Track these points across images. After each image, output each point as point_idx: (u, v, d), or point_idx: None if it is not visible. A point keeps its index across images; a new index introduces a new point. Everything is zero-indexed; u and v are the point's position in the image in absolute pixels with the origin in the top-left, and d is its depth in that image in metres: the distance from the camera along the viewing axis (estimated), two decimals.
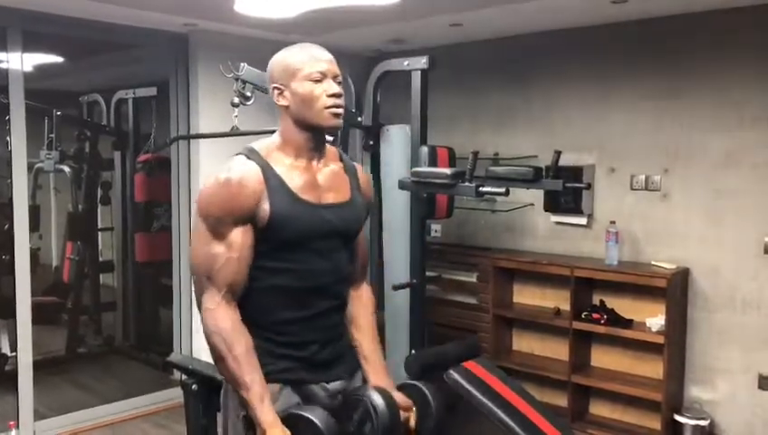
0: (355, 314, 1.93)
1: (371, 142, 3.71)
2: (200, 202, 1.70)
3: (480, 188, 3.16)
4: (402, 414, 1.82)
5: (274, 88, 1.75)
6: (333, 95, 1.71)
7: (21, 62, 3.72)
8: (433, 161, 3.52)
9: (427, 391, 1.92)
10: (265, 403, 1.65)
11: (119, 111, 5.48)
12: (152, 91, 5.20)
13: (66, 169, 5.31)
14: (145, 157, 5.16)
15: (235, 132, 3.37)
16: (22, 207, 3.77)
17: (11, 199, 3.78)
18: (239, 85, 3.34)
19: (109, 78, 6.01)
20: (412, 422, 1.86)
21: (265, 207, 1.66)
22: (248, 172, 1.67)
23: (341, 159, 1.87)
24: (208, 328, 1.68)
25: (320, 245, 1.74)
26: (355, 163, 1.93)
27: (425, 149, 3.50)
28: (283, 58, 1.76)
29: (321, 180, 1.77)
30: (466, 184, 3.19)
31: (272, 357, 1.73)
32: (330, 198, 1.77)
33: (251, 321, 1.73)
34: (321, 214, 1.74)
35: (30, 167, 4.44)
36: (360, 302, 1.96)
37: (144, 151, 5.20)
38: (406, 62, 3.51)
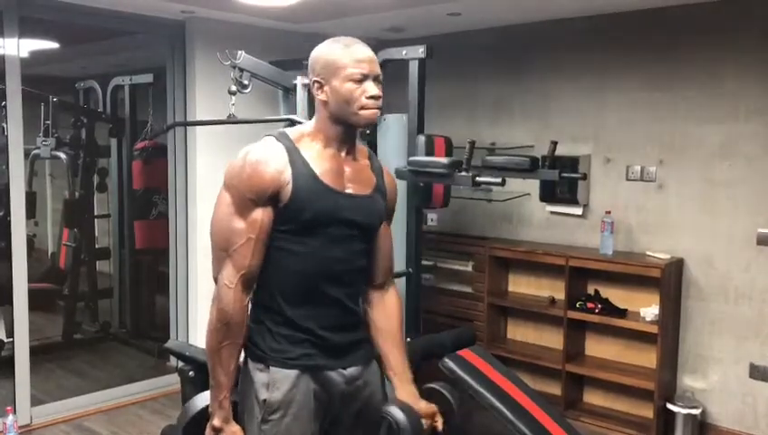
0: (380, 323, 1.94)
1: (368, 131, 3.71)
2: (226, 175, 1.74)
3: (477, 178, 3.17)
4: (426, 422, 1.92)
5: (315, 81, 1.76)
6: (372, 97, 1.74)
7: (17, 47, 3.71)
8: (430, 150, 3.53)
9: (448, 395, 2.05)
10: (225, 407, 1.75)
11: (115, 97, 5.45)
12: (149, 78, 5.17)
13: (62, 155, 5.29)
14: (142, 144, 5.15)
15: (231, 120, 3.37)
16: (18, 193, 3.77)
17: (7, 186, 3.78)
18: (236, 73, 3.34)
19: (105, 64, 5.99)
20: (439, 426, 1.95)
21: (288, 187, 1.69)
22: (274, 153, 1.71)
23: (370, 159, 1.90)
24: (222, 302, 1.71)
25: (336, 231, 1.76)
26: (383, 166, 1.95)
27: (422, 139, 3.51)
28: (327, 53, 1.76)
29: (347, 171, 1.80)
30: (463, 174, 3.21)
31: (290, 343, 1.76)
32: (351, 189, 1.79)
33: (267, 306, 1.78)
34: (340, 201, 1.76)
35: (26, 153, 4.44)
36: (385, 309, 1.96)
37: (141, 138, 5.19)
38: (404, 51, 3.51)
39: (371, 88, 1.73)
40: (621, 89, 4.06)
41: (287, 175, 1.69)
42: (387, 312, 1.96)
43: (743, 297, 3.68)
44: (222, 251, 1.72)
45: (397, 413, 1.83)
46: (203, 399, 2.02)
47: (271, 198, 1.70)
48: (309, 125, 1.81)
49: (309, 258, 1.74)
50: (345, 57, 1.72)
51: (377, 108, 1.76)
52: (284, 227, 1.73)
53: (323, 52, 1.77)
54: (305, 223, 1.72)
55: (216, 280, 1.75)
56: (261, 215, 1.70)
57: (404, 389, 1.94)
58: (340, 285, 1.79)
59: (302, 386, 1.75)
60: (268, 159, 1.70)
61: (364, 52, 1.75)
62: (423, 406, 1.94)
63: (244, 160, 1.71)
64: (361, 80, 1.72)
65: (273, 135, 1.77)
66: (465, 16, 4.08)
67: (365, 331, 1.92)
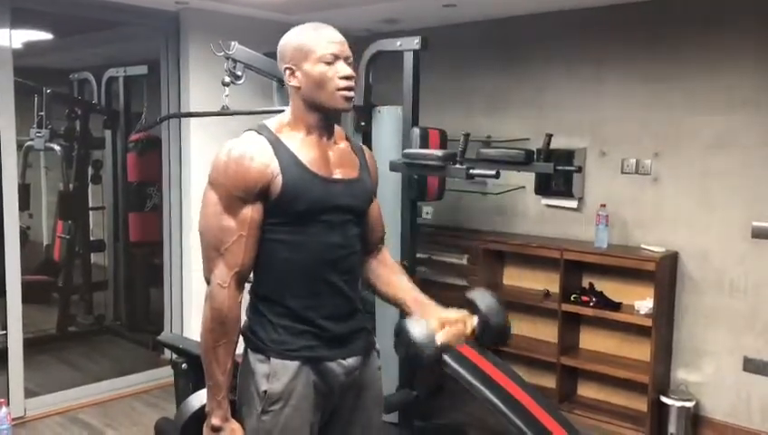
0: (385, 276, 1.98)
1: (363, 123, 3.69)
2: (211, 174, 1.72)
3: (471, 171, 3.16)
4: (454, 329, 1.80)
5: (286, 68, 1.74)
6: (345, 77, 1.72)
7: (9, 38, 3.68)
8: (424, 143, 3.52)
9: (479, 300, 1.87)
10: (223, 406, 1.73)
11: (109, 89, 5.44)
12: (143, 69, 5.16)
13: (56, 147, 5.28)
14: (136, 136, 5.13)
15: (225, 112, 3.35)
16: (11, 185, 3.75)
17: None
18: (230, 64, 3.31)
19: (99, 56, 5.96)
20: (468, 331, 1.82)
21: (278, 180, 1.67)
22: (258, 147, 1.69)
23: (348, 139, 1.89)
24: (216, 302, 1.68)
25: (330, 218, 1.75)
26: (362, 145, 1.96)
27: (416, 131, 3.49)
28: (295, 38, 1.74)
29: (332, 156, 1.79)
30: (457, 166, 3.19)
31: (290, 335, 1.74)
32: (339, 174, 1.78)
33: (267, 297, 1.76)
34: (330, 187, 1.75)
35: (20, 145, 4.41)
36: (385, 265, 2.00)
37: (135, 130, 5.17)
38: (398, 43, 3.49)
39: (343, 68, 1.72)
40: (617, 81, 4.05)
41: (274, 167, 1.68)
42: (387, 265, 2.00)
43: (737, 290, 3.68)
44: (213, 250, 1.70)
45: (409, 326, 1.73)
46: (199, 398, 2.00)
47: (260, 192, 1.68)
48: (285, 115, 1.79)
49: (308, 247, 1.73)
50: (314, 39, 1.72)
51: (351, 88, 1.74)
52: (279, 220, 1.71)
53: (292, 38, 1.76)
54: (300, 213, 1.71)
55: (207, 280, 1.72)
56: (251, 211, 1.68)
57: (429, 307, 1.87)
58: (340, 272, 1.78)
59: (303, 377, 1.74)
60: (253, 153, 1.68)
61: (333, 33, 1.75)
62: (452, 314, 1.83)
63: (228, 157, 1.69)
64: (332, 61, 1.71)
65: (253, 129, 1.75)
66: (461, 8, 4.06)
67: (364, 320, 1.91)
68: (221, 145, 1.74)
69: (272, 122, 1.78)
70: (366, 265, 1.98)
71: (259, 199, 1.68)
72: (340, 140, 1.85)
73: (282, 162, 1.69)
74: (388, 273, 1.99)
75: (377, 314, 3.70)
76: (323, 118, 1.77)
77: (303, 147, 1.74)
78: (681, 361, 3.89)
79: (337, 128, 1.86)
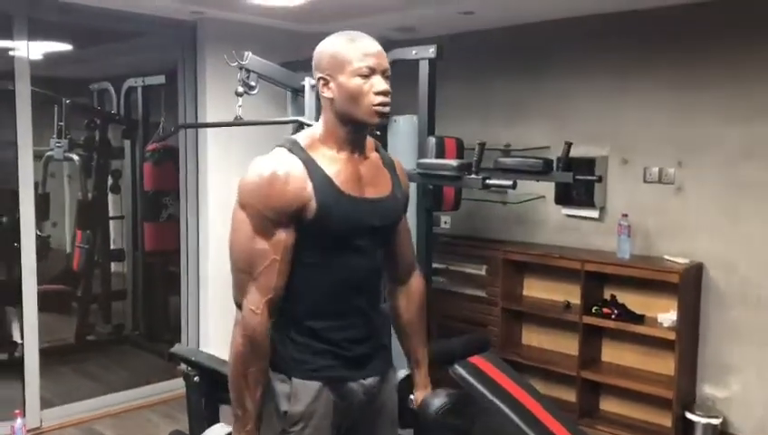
0: (403, 314, 1.97)
1: (378, 132, 3.64)
2: (242, 194, 1.65)
3: (487, 181, 3.10)
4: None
5: (320, 78, 1.69)
6: (381, 93, 1.66)
7: (27, 50, 3.69)
8: (441, 152, 3.47)
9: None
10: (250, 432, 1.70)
11: (128, 99, 5.47)
12: (161, 79, 5.18)
13: (75, 157, 5.31)
14: (153, 146, 5.14)
15: (238, 122, 3.33)
16: (28, 194, 3.76)
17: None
18: (243, 74, 3.30)
19: (118, 66, 6.00)
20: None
21: (312, 203, 1.62)
22: (291, 168, 1.62)
23: (378, 151, 1.84)
24: (248, 328, 1.63)
25: (360, 241, 1.71)
26: (392, 156, 1.89)
27: (432, 140, 3.45)
28: (332, 48, 1.68)
29: (363, 173, 1.73)
30: (473, 176, 3.13)
31: (312, 354, 1.71)
32: (371, 193, 1.73)
33: (289, 316, 1.71)
34: (362, 208, 1.70)
35: (40, 155, 4.43)
36: (408, 297, 1.97)
37: (152, 140, 5.19)
38: (413, 51, 3.45)
39: (380, 83, 1.66)
40: (639, 89, 3.96)
41: (309, 190, 1.62)
42: (409, 300, 1.97)
43: (765, 303, 3.56)
44: (244, 274, 1.64)
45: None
46: (219, 431, 1.98)
47: (293, 215, 1.62)
48: (318, 128, 1.73)
49: (335, 270, 1.69)
50: (351, 51, 1.65)
51: (387, 104, 1.68)
52: (310, 243, 1.66)
53: (328, 46, 1.69)
54: (331, 237, 1.67)
55: (238, 304, 1.66)
56: (284, 234, 1.62)
57: (420, 375, 2.01)
58: (364, 294, 1.76)
59: (324, 398, 1.71)
60: (287, 175, 1.61)
61: (371, 45, 1.68)
62: (419, 395, 2.00)
63: (260, 177, 1.62)
64: (369, 74, 1.65)
65: (284, 146, 1.68)
66: (479, 15, 4.00)
67: (383, 338, 1.88)
68: (248, 151, 1.70)
69: (303, 138, 1.71)
70: (392, 294, 1.96)
71: (292, 222, 1.63)
72: (371, 152, 1.80)
73: (315, 184, 1.63)
74: (407, 311, 1.97)
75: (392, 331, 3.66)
76: (354, 131, 1.71)
77: (335, 165, 1.68)
78: (707, 376, 3.77)
79: (368, 139, 1.81)
